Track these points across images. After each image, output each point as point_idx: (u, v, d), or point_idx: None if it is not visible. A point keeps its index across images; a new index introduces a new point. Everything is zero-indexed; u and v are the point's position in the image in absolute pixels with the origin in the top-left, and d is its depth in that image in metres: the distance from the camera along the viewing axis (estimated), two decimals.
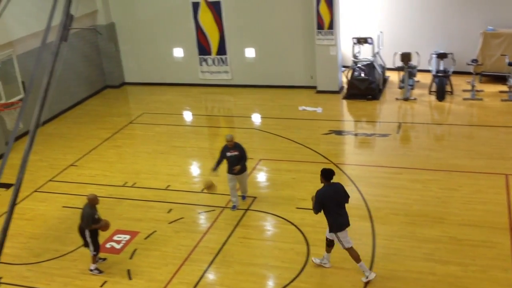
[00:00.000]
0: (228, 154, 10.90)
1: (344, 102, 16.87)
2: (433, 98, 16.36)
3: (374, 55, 17.15)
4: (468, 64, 16.47)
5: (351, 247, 8.78)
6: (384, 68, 17.81)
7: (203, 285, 9.12)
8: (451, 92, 16.40)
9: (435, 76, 16.47)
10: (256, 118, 16.31)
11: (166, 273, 9.39)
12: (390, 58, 17.41)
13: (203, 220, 11.05)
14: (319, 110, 16.20)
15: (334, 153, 13.45)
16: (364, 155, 13.48)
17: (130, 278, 9.39)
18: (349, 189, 11.55)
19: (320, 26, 16.85)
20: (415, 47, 17.13)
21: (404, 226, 10.21)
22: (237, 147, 10.94)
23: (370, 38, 16.99)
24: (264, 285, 9.14)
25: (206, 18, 18.16)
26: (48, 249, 10.34)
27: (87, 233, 9.31)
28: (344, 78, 17.72)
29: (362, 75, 16.77)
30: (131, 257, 9.92)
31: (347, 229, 8.74)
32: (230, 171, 10.97)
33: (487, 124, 14.40)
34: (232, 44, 18.25)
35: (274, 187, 12.09)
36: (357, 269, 8.93)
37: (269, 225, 10.72)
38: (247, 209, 11.14)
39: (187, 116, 17.01)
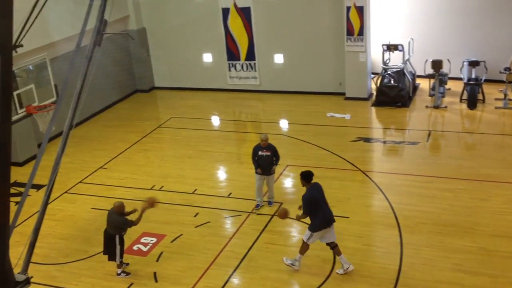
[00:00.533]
0: (260, 153, 11.02)
1: (373, 109, 16.73)
2: (464, 106, 16.10)
3: (404, 62, 16.98)
4: (501, 72, 16.17)
5: (308, 244, 9.02)
6: (414, 75, 17.61)
7: None
8: (483, 101, 16.11)
9: (466, 84, 16.21)
10: (284, 124, 16.29)
11: (191, 277, 9.42)
12: (421, 65, 17.22)
13: (229, 224, 11.06)
14: (347, 116, 16.10)
15: (362, 160, 13.33)
16: (392, 163, 13.32)
17: (156, 280, 9.44)
18: (377, 197, 11.56)
19: (349, 32, 16.77)
20: (447, 54, 16.90)
21: (433, 235, 10.05)
22: (270, 147, 11.01)
23: (401, 45, 16.82)
24: None
25: (235, 23, 18.25)
26: (76, 249, 10.49)
27: (117, 239, 9.35)
28: (373, 85, 17.58)
29: (392, 82, 16.61)
30: (157, 260, 9.98)
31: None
32: (263, 171, 11.08)
33: None
34: (261, 49, 18.29)
35: (300, 193, 11.87)
36: (385, 278, 8.82)
37: (295, 231, 10.66)
38: (273, 215, 11.11)
39: (215, 121, 17.09)
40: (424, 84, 17.54)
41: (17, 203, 11.61)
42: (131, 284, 9.39)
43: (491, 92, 16.49)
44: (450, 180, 11.93)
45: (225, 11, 18.19)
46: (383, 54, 17.16)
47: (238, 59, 18.70)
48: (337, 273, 9.16)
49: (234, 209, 11.51)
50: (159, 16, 19.13)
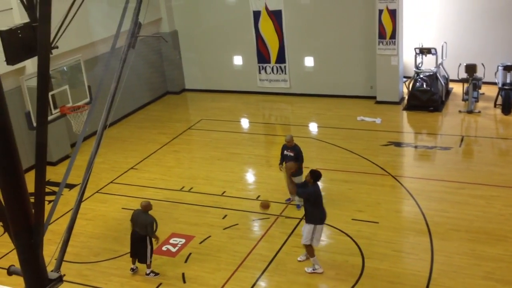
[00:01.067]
0: (285, 152, 11.23)
1: (404, 113, 16.53)
2: (498, 111, 15.77)
3: (437, 66, 16.73)
4: None
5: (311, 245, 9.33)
6: (447, 80, 17.33)
7: None
8: None
9: (501, 89, 15.88)
10: (314, 127, 16.23)
11: (219, 279, 9.46)
12: (454, 70, 16.94)
13: (257, 227, 11.07)
14: (378, 120, 15.94)
15: (393, 165, 13.18)
16: (424, 168, 13.13)
17: (184, 281, 9.51)
18: (408, 202, 11.41)
19: (381, 35, 16.61)
20: (481, 58, 16.58)
21: (464, 242, 9.87)
22: (294, 149, 11.07)
23: (434, 48, 16.59)
24: None
25: (266, 26, 18.28)
26: (107, 249, 10.64)
27: (148, 240, 9.45)
28: (405, 88, 17.37)
29: (424, 86, 16.38)
30: (186, 261, 10.05)
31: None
32: (280, 167, 11.29)
33: None
34: (291, 52, 18.27)
35: (330, 197, 11.95)
36: (415, 285, 8.71)
37: (323, 236, 10.56)
38: (301, 218, 11.05)
39: (245, 123, 17.14)
40: (457, 89, 17.24)
41: (50, 201, 11.88)
42: (160, 284, 9.48)
43: None
44: (483, 187, 11.70)
45: (256, 14, 18.24)
46: (415, 57, 16.94)
47: (269, 62, 18.71)
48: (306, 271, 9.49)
49: (262, 212, 11.50)
50: (190, 18, 19.29)
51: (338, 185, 12.38)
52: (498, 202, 11.07)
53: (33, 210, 5.00)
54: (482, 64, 16.34)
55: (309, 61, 18.24)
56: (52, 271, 5.84)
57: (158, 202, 12.23)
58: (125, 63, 8.37)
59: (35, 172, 5.18)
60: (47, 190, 12.69)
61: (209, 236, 10.75)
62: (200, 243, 10.57)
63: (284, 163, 11.23)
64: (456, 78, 16.85)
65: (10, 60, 6.88)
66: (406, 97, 16.96)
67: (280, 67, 18.61)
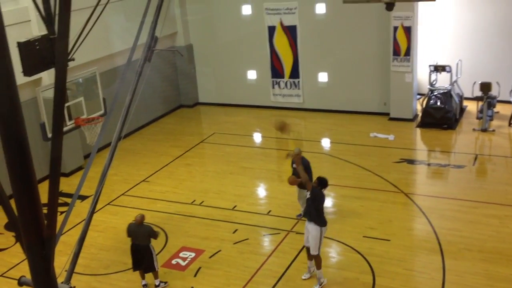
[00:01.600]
0: (294, 166, 11.15)
1: (418, 130, 16.45)
2: None
3: (451, 84, 16.66)
4: None
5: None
6: (461, 97, 17.25)
7: None
8: None
9: None
10: (326, 143, 16.20)
11: None
12: (468, 87, 16.85)
13: (267, 242, 11.03)
14: (391, 137, 15.88)
15: (405, 182, 13.10)
16: (437, 186, 13.02)
17: None
18: (420, 220, 11.31)
19: (396, 52, 16.61)
20: (496, 76, 16.49)
21: (477, 262, 9.74)
22: (302, 161, 10.99)
23: (448, 66, 16.54)
24: None
25: (281, 41, 18.36)
26: (116, 261, 10.65)
27: (151, 247, 9.50)
28: (418, 106, 17.31)
29: (438, 103, 16.31)
30: (195, 275, 10.02)
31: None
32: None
33: None
34: (305, 68, 18.32)
35: (341, 213, 11.90)
36: None
37: (334, 252, 10.53)
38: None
39: (257, 137, 17.15)
40: (471, 107, 17.14)
41: (62, 212, 11.94)
42: None
43: None
44: (497, 206, 11.57)
45: (271, 29, 18.34)
46: (430, 75, 16.89)
47: (282, 77, 18.77)
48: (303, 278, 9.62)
49: (273, 227, 11.47)
50: (206, 33, 19.44)
51: (349, 201, 12.31)
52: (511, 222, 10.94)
53: (45, 222, 5.02)
54: (497, 83, 16.25)
55: (322, 77, 18.26)
56: (62, 282, 5.85)
57: (169, 215, 12.25)
58: (140, 76, 8.45)
59: (49, 184, 5.22)
60: (59, 201, 12.75)
61: (219, 251, 10.72)
62: (210, 257, 10.54)
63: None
64: (470, 96, 16.77)
65: (27, 72, 6.97)
66: (420, 114, 16.89)
67: (294, 82, 18.65)
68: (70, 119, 11.28)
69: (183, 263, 10.40)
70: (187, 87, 20.03)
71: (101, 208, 12.72)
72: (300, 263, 10.13)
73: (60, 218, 6.61)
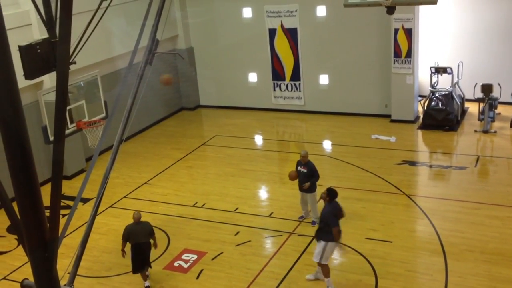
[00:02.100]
0: (299, 168, 11.23)
1: (419, 132, 16.45)
2: None
3: (453, 85, 16.66)
4: None
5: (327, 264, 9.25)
6: (463, 99, 17.25)
7: None
8: None
9: None
10: (327, 145, 16.20)
11: None
12: (470, 89, 16.85)
13: (269, 244, 11.03)
14: (392, 139, 15.87)
15: (407, 184, 13.09)
16: (439, 187, 13.02)
17: None
18: (422, 222, 11.30)
19: (397, 54, 16.61)
20: (497, 78, 16.50)
21: (479, 264, 9.73)
22: (308, 165, 11.05)
23: (450, 68, 16.54)
24: None
25: (282, 44, 18.38)
26: (119, 263, 10.64)
27: (151, 246, 9.68)
28: (420, 107, 17.30)
29: (440, 105, 16.31)
30: (197, 277, 10.03)
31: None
32: (299, 186, 11.22)
33: None
34: (306, 70, 18.33)
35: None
36: None
37: (336, 254, 10.51)
38: (314, 236, 11.00)
39: (259, 140, 17.16)
40: (473, 108, 17.14)
41: (64, 215, 11.94)
42: None
43: None
44: (499, 207, 11.56)
45: (272, 32, 18.36)
46: (431, 76, 16.90)
47: (283, 79, 18.79)
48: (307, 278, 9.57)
49: (275, 229, 11.47)
50: (207, 36, 19.47)
51: (351, 203, 12.30)
52: None
53: (48, 225, 5.03)
54: (499, 84, 16.25)
55: (323, 79, 18.27)
56: (65, 285, 5.85)
57: (170, 217, 12.26)
58: (141, 79, 8.46)
59: (51, 188, 5.23)
60: (61, 204, 12.76)
61: (221, 253, 10.72)
62: (212, 259, 10.54)
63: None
64: (472, 97, 16.76)
65: (28, 75, 6.98)
66: (421, 116, 16.89)
67: (295, 84, 18.67)
68: (71, 122, 11.31)
69: (185, 265, 10.41)
70: (188, 90, 20.05)
71: (103, 211, 12.73)
72: (303, 265, 10.13)
73: (62, 221, 6.62)
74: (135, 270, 9.71)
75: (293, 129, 18.09)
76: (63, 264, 7.61)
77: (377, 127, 16.87)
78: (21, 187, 4.65)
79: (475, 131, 15.91)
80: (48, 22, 7.05)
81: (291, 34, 18.14)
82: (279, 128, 18.27)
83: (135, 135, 17.68)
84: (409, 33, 16.25)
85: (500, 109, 16.53)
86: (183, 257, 10.69)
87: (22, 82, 5.62)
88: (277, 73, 18.79)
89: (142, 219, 9.74)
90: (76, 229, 11.68)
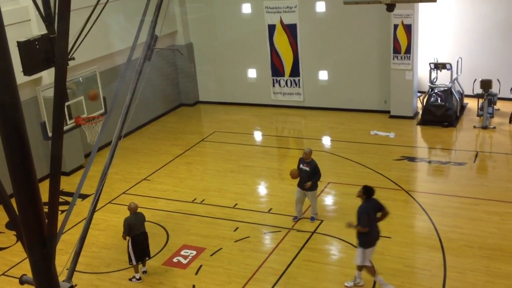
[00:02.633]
0: (301, 166, 11.13)
1: (418, 128, 16.45)
2: None
3: (452, 81, 16.65)
4: None
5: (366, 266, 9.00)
6: (462, 95, 17.24)
7: None
8: None
9: None
10: (327, 141, 16.20)
11: None
12: (469, 85, 16.85)
13: (268, 240, 11.04)
14: (391, 135, 15.88)
15: (406, 179, 13.10)
16: (437, 183, 13.03)
17: None
18: (421, 218, 11.32)
19: (396, 50, 16.60)
20: (496, 74, 16.49)
21: (478, 259, 9.75)
22: (311, 163, 11.00)
23: (449, 63, 16.53)
24: None
25: (281, 40, 18.36)
26: (118, 259, 10.66)
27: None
28: (419, 103, 17.30)
29: (439, 101, 16.31)
30: (196, 273, 10.04)
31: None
32: (300, 184, 11.11)
33: None
34: (305, 66, 18.32)
35: (342, 211, 11.90)
36: None
37: (335, 250, 10.55)
38: (313, 232, 11.03)
39: (258, 136, 17.16)
40: (472, 104, 17.14)
41: (63, 211, 11.96)
42: None
43: None
44: (498, 203, 11.58)
45: (271, 28, 18.33)
46: (430, 72, 16.89)
47: (283, 75, 18.77)
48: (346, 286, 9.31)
49: (274, 224, 11.49)
50: (206, 31, 19.44)
51: (350, 199, 12.26)
52: None
53: (46, 221, 5.04)
54: (498, 80, 16.25)
55: (323, 75, 18.26)
56: (63, 281, 5.87)
57: (169, 213, 12.27)
58: (140, 75, 8.45)
59: (49, 184, 5.23)
60: (60, 200, 12.78)
61: (220, 249, 10.74)
62: (211, 255, 10.56)
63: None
64: (471, 93, 16.76)
65: (27, 71, 6.97)
66: (420, 112, 16.89)
67: (294, 80, 18.65)
68: (70, 118, 11.31)
69: (184, 261, 10.42)
70: (187, 85, 20.04)
71: (102, 207, 12.74)
72: (301, 260, 10.15)
73: (61, 217, 6.63)
74: (138, 259, 9.83)
75: (292, 125, 18.09)
76: (62, 260, 7.62)
77: (376, 123, 16.87)
78: (19, 183, 4.67)
79: (474, 127, 15.92)
80: (47, 17, 7.03)
81: (291, 30, 18.11)
82: (278, 124, 18.26)
83: (134, 131, 17.67)
84: (408, 29, 16.23)
85: (499, 105, 16.54)
86: (182, 253, 10.70)
87: (20, 78, 5.62)
88: (277, 69, 18.77)
89: (132, 203, 9.99)
90: (75, 225, 11.70)
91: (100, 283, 10.02)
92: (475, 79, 16.47)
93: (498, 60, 17.10)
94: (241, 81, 19.49)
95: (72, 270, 6.51)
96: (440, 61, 16.90)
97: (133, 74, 8.45)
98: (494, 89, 16.10)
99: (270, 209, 12.17)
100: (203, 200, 12.83)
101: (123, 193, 13.53)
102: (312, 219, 11.39)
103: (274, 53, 18.60)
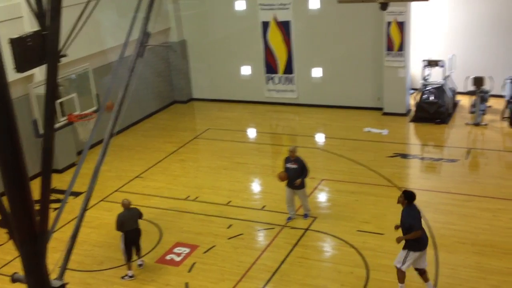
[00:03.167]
0: (288, 165, 11.05)
1: (411, 125, 16.49)
2: (505, 124, 15.70)
3: (444, 78, 16.71)
4: None
5: (404, 270, 8.71)
6: (455, 92, 17.30)
7: None
8: None
9: (508, 102, 15.82)
10: (320, 138, 16.22)
11: None
12: (462, 82, 16.91)
13: (262, 237, 11.05)
14: (384, 132, 15.92)
15: (399, 176, 13.14)
16: (430, 180, 13.08)
17: None
18: None
19: (389, 47, 16.63)
20: (489, 71, 16.56)
21: (470, 255, 9.80)
22: (298, 161, 10.97)
23: (442, 61, 16.58)
24: None
25: (275, 37, 18.35)
26: (110, 257, 10.64)
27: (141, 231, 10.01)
28: (412, 100, 17.35)
29: (431, 98, 16.36)
30: (189, 271, 10.03)
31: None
32: (288, 183, 11.04)
33: None
34: (299, 63, 18.32)
35: (335, 208, 11.94)
36: None
37: (328, 247, 10.57)
38: (307, 229, 11.05)
39: (252, 133, 17.16)
40: (464, 101, 17.20)
41: (55, 209, 11.89)
42: None
43: None
44: (490, 200, 11.64)
45: (265, 25, 18.32)
46: (423, 69, 16.94)
47: (276, 72, 18.77)
48: None
49: (267, 222, 11.50)
50: (199, 28, 19.40)
51: (344, 196, 12.35)
52: (505, 215, 11.00)
53: (38, 218, 5.01)
54: (490, 77, 16.31)
55: (317, 72, 18.27)
56: (55, 279, 5.84)
57: (163, 211, 12.25)
58: (133, 72, 8.41)
59: (41, 180, 5.21)
60: (52, 197, 12.71)
61: (214, 246, 10.74)
62: (205, 252, 10.56)
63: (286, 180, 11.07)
64: (463, 90, 16.82)
65: (19, 68, 6.94)
66: (413, 109, 16.93)
67: (288, 77, 18.65)
68: (63, 115, 11.28)
69: (177, 259, 10.41)
70: (180, 83, 20.00)
71: (95, 205, 12.71)
72: (295, 257, 10.16)
73: (53, 215, 6.59)
74: (129, 256, 9.85)
75: (286, 122, 18.10)
76: (54, 258, 7.58)
77: (369, 120, 16.91)
78: (11, 181, 4.63)
79: (467, 123, 15.98)
80: (39, 14, 7.00)
81: (285, 27, 18.10)
82: (272, 121, 18.26)
83: (127, 128, 17.62)
84: (401, 26, 16.27)
85: (491, 102, 16.59)
86: (175, 250, 10.69)
87: (12, 75, 5.58)
88: (270, 66, 18.77)
89: (126, 200, 10.01)
90: (67, 223, 11.65)
91: (92, 281, 10.00)
92: (468, 76, 16.53)
93: (490, 57, 17.17)
94: (235, 78, 19.47)
95: (64, 268, 6.48)
96: (433, 58, 16.94)
97: (126, 71, 8.42)
98: (486, 86, 16.17)
99: (264, 206, 12.18)
100: (197, 197, 12.82)
101: (116, 190, 13.49)
102: (305, 216, 11.41)
103: (267, 50, 18.59)
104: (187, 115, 19.13)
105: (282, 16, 17.99)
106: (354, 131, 16.14)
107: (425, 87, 16.69)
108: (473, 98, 16.18)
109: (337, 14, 17.28)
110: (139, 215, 9.97)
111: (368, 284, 9.24)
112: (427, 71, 17.02)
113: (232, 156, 15.07)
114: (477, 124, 15.77)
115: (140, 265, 10.10)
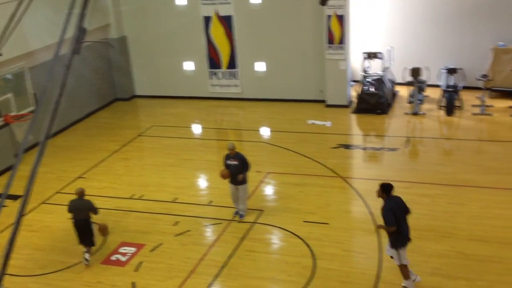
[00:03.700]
0: (228, 162, 11.00)
1: (353, 116, 16.85)
2: (442, 113, 16.29)
3: (384, 70, 17.14)
4: (478, 79, 16.39)
5: (406, 265, 8.66)
6: (393, 83, 17.79)
7: None
8: (460, 107, 16.32)
9: (444, 91, 16.41)
10: (265, 132, 16.32)
11: (171, 286, 9.36)
12: (400, 73, 17.40)
13: (209, 233, 11.03)
14: (328, 124, 16.19)
15: (342, 167, 13.41)
16: (372, 169, 13.42)
17: None
18: (357, 203, 11.63)
19: (330, 41, 16.90)
20: (425, 62, 17.12)
21: (412, 240, 10.09)
22: (238, 156, 10.95)
23: (380, 53, 17.00)
24: None
25: (217, 32, 18.30)
26: (53, 260, 10.36)
27: (90, 222, 9.98)
28: (353, 92, 17.71)
29: (372, 89, 16.75)
30: (136, 270, 9.90)
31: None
32: (231, 180, 11.00)
33: (496, 139, 14.30)
34: (242, 58, 18.34)
35: (281, 200, 12.06)
36: (364, 284, 8.82)
37: (275, 239, 10.67)
38: (253, 222, 11.11)
39: (196, 129, 17.07)
40: (403, 92, 17.72)
41: None
42: None
43: (468, 99, 16.71)
44: (429, 186, 12.05)
45: (207, 20, 18.23)
46: (363, 62, 17.31)
47: (220, 67, 18.73)
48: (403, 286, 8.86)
49: (214, 217, 11.48)
50: (140, 24, 19.09)
51: (289, 188, 12.48)
52: (443, 200, 11.42)
53: None
54: (427, 68, 16.86)
55: (260, 66, 18.35)
56: None
57: (107, 211, 12.00)
58: (69, 69, 8.20)
59: None
60: None
61: (161, 244, 10.63)
62: (151, 251, 10.43)
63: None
64: (402, 81, 17.33)
65: None
66: (355, 101, 17.30)
67: (232, 72, 18.65)
68: None
69: (123, 259, 10.24)
70: (121, 80, 19.63)
71: (36, 207, 12.32)
72: (243, 251, 10.20)
73: None
74: (79, 241, 10.04)
75: (230, 117, 18.10)
76: None
77: (313, 112, 17.15)
78: None
79: (405, 113, 16.47)
80: None
81: (227, 22, 18.08)
82: (217, 116, 18.23)
83: (67, 128, 17.16)
84: (341, 19, 16.56)
85: (428, 91, 17.16)
86: (121, 250, 10.51)
87: None
88: (214, 61, 18.71)
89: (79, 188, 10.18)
90: (7, 228, 11.23)
91: (35, 286, 9.70)
92: (405, 67, 17.02)
93: (426, 49, 17.74)
94: (178, 74, 19.30)
95: (2, 273, 6.26)
96: (372, 50, 17.35)
97: (62, 69, 8.20)
98: (424, 76, 16.70)
99: (211, 201, 12.16)
100: (142, 195, 12.65)
101: (57, 192, 13.12)
102: (241, 216, 11.26)
103: (210, 45, 18.52)
104: (130, 113, 18.82)
105: (224, 11, 17.96)
106: (298, 124, 16.33)
107: (366, 79, 17.07)
108: (411, 88, 16.69)
109: (278, 8, 17.41)
110: (90, 208, 9.98)
111: (314, 273, 9.38)
112: (367, 63, 17.42)
113: (177, 153, 14.95)
114: (415, 114, 16.28)
115: (86, 260, 9.96)
